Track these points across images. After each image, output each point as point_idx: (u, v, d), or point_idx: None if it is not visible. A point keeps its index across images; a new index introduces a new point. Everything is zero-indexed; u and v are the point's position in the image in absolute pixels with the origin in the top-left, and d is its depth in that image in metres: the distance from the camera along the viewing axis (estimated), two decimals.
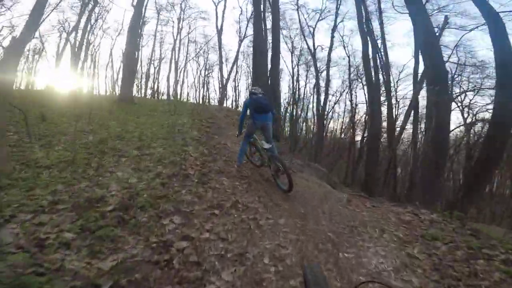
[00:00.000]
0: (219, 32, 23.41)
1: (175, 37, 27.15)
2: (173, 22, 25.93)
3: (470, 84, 19.57)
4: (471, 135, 20.03)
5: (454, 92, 20.42)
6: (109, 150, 4.75)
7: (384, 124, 17.02)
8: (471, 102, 20.29)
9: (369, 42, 14.64)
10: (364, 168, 22.59)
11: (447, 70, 6.86)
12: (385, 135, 18.57)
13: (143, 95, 26.42)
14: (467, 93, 20.28)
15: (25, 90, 15.87)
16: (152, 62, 28.97)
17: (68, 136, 5.57)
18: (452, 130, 21.63)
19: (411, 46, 21.17)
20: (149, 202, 3.05)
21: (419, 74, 17.83)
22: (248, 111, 4.63)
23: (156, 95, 26.99)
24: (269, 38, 14.86)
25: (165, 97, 22.04)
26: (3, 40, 17.45)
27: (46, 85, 18.73)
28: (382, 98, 16.26)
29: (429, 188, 7.18)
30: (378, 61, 14.72)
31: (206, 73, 32.53)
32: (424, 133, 19.76)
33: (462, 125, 20.84)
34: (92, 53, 26.67)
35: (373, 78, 14.10)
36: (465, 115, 20.63)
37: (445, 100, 6.73)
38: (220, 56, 23.93)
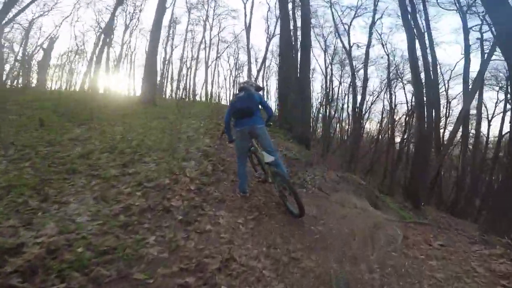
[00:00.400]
0: (248, 30, 22.40)
1: (205, 36, 26.69)
2: (204, 21, 25.22)
3: None
4: None
5: None
6: (85, 168, 3.78)
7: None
8: None
9: (416, 37, 12.70)
10: (403, 172, 21.58)
11: None
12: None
13: (174, 96, 26.52)
14: None
15: (56, 91, 16.17)
16: (185, 63, 28.89)
17: (56, 146, 4.75)
18: (507, 133, 19.13)
19: (461, 44, 18.56)
20: (80, 260, 1.93)
21: (473, 73, 15.53)
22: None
23: (187, 96, 26.98)
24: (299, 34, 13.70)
25: (199, 98, 21.54)
26: None
27: (80, 87, 19.19)
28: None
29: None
30: (425, 58, 12.54)
31: (236, 73, 31.82)
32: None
33: None
34: (127, 53, 27.26)
35: (421, 77, 12.14)
36: None
37: None
38: (249, 55, 22.94)
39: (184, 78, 29.41)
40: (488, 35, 15.84)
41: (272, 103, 30.34)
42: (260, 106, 3.59)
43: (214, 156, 4.68)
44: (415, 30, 12.37)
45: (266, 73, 28.93)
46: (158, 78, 23.32)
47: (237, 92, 3.77)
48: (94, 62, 19.00)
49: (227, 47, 28.37)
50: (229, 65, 32.80)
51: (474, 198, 19.13)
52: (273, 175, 3.49)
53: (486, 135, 20.42)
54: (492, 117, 20.61)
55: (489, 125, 20.54)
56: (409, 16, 12.26)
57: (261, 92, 3.86)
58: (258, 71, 25.95)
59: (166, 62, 28.18)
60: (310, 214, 3.63)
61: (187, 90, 28.87)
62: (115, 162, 4.18)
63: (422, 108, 11.98)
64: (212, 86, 30.22)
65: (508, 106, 18.95)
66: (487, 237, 4.23)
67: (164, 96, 25.26)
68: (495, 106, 20.65)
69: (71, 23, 23.99)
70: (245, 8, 23.15)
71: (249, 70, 23.80)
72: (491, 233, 5.08)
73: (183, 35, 26.44)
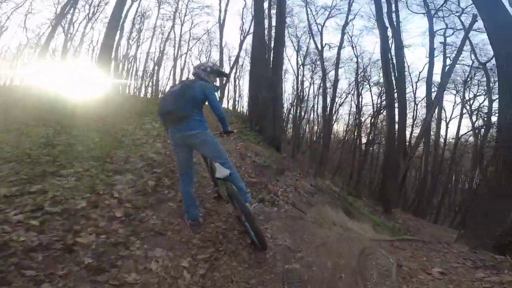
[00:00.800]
0: (221, 26, 21.19)
1: (175, 32, 24.96)
2: (173, 14, 23.38)
3: (480, 87, 18.05)
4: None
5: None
6: None
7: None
8: (481, 106, 18.76)
9: (391, 39, 12.66)
10: (368, 172, 22.22)
11: None
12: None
13: (138, 93, 24.62)
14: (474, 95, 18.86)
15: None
16: (152, 59, 26.90)
17: None
18: (463, 135, 20.39)
19: (426, 47, 19.23)
20: None
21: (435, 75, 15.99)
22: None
23: (152, 93, 25.17)
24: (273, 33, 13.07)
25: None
26: None
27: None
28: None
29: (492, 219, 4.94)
30: (399, 57, 12.45)
31: None
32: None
33: (470, 130, 19.36)
34: (88, 48, 24.69)
35: (391, 79, 11.99)
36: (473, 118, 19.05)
37: None
38: (221, 53, 21.72)
39: (150, 75, 27.49)
40: (450, 39, 16.46)
41: (245, 103, 29.62)
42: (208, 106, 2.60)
43: (160, 167, 3.63)
44: (389, 30, 12.24)
45: (239, 71, 28.04)
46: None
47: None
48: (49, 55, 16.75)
49: (196, 42, 26.82)
50: (200, 62, 31.21)
51: (433, 198, 20.04)
52: (228, 195, 2.58)
53: (444, 137, 21.27)
54: (450, 120, 21.65)
55: (447, 127, 21.53)
56: (384, 15, 12.10)
57: (218, 83, 2.86)
58: (231, 70, 24.93)
59: (131, 57, 26.10)
60: (284, 244, 2.80)
61: (152, 87, 27.04)
62: (18, 176, 3.00)
63: (393, 109, 11.84)
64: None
65: (465, 110, 20.03)
66: (483, 256, 3.77)
67: (129, 93, 23.34)
68: (453, 109, 21.73)
69: (25, 14, 20.94)
70: (220, 4, 21.89)
71: (221, 67, 22.66)
72: (475, 244, 4.71)
73: (151, 30, 24.45)
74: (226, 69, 25.90)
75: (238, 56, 22.42)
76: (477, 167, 19.35)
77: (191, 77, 2.75)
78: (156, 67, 26.13)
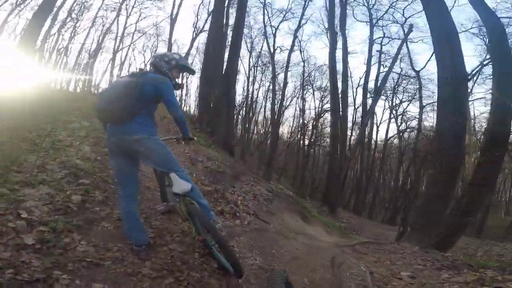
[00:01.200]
0: (173, 22, 19.62)
1: (118, 24, 22.14)
2: (122, 8, 20.68)
3: (405, 94, 20.57)
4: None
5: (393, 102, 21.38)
6: None
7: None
8: (405, 111, 21.47)
9: (341, 45, 13.28)
10: (310, 172, 23.45)
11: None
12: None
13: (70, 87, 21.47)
14: (399, 101, 21.47)
15: None
16: (87, 51, 23.61)
17: None
18: (390, 137, 22.96)
19: (365, 54, 21.00)
20: None
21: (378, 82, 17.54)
22: None
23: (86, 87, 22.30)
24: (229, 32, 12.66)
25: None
26: None
27: None
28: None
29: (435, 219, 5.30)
30: (345, 62, 13.14)
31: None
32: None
33: (396, 134, 21.96)
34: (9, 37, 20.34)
35: (338, 85, 12.62)
36: (399, 123, 21.64)
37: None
38: (169, 49, 20.09)
39: (83, 68, 24.22)
40: (385, 48, 18.16)
41: (192, 102, 28.25)
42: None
43: (89, 177, 2.83)
44: (340, 35, 12.79)
45: None
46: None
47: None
48: None
49: (142, 36, 24.40)
50: (144, 57, 28.58)
51: (366, 196, 21.99)
52: (188, 214, 2.05)
53: (375, 139, 23.46)
54: (380, 123, 24.01)
55: (377, 130, 23.79)
56: (336, 21, 12.64)
57: (180, 80, 2.27)
58: None
59: (62, 49, 22.56)
60: (255, 263, 2.37)
61: (84, 81, 23.95)
62: None
63: (337, 114, 12.36)
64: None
65: (392, 115, 22.44)
66: (435, 255, 3.90)
67: (55, 87, 20.09)
68: (383, 114, 24.17)
69: None
70: None
71: None
72: (422, 243, 4.96)
73: (90, 21, 21.29)
74: None
75: (188, 53, 21.13)
76: (401, 167, 22.01)
77: (148, 68, 2.15)
78: (91, 60, 23.14)
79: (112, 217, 2.37)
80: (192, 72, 2.36)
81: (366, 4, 16.63)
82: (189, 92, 27.75)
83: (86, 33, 21.31)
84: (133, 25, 23.41)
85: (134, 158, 2.04)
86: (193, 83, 34.11)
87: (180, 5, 19.28)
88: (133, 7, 20.90)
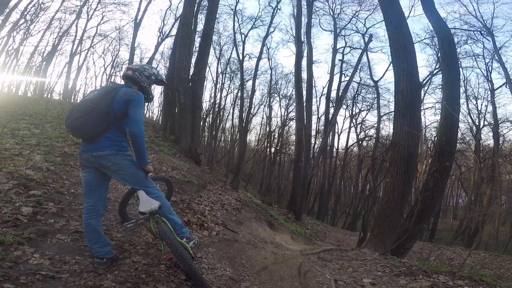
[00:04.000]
0: (136, 26, 18.81)
1: (77, 26, 20.60)
2: (83, 11, 19.19)
3: (364, 103, 22.02)
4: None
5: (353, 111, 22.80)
6: None
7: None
8: (364, 120, 23.02)
9: (306, 54, 13.71)
10: (276, 180, 23.87)
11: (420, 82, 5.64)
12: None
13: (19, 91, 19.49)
14: (359, 110, 23.00)
15: None
16: (40, 54, 21.65)
17: None
18: (350, 146, 24.37)
19: (328, 64, 22.16)
20: None
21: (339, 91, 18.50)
22: None
23: (38, 92, 20.38)
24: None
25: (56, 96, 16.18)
26: None
27: None
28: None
29: (393, 225, 5.60)
30: (310, 70, 13.60)
31: (113, 71, 26.66)
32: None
33: (355, 142, 23.43)
34: None
35: (303, 93, 13.02)
36: (358, 131, 23.14)
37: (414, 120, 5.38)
38: (132, 53, 19.22)
39: (35, 71, 22.17)
40: (346, 57, 19.27)
41: (155, 108, 27.15)
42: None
43: (41, 188, 2.59)
44: (305, 44, 13.18)
45: None
46: None
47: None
48: None
49: (103, 39, 23.08)
50: (104, 61, 27.09)
51: (328, 201, 22.86)
52: (158, 233, 1.94)
53: (336, 147, 24.67)
54: (341, 132, 25.36)
55: (338, 138, 25.08)
56: (302, 30, 13.04)
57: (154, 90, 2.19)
58: None
59: (12, 50, 20.41)
60: (225, 274, 2.35)
61: (36, 85, 21.95)
62: None
63: (302, 122, 12.71)
64: (75, 83, 24.05)
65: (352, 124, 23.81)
66: (393, 261, 4.13)
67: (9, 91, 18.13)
68: (343, 122, 25.55)
69: None
70: (140, 3, 19.23)
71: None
72: (380, 249, 5.20)
73: (46, 23, 19.56)
74: None
75: (152, 58, 20.40)
76: (360, 174, 23.32)
77: (121, 80, 2.09)
78: (44, 63, 21.29)
79: (69, 229, 2.20)
80: (166, 85, 2.33)
81: (331, 13, 17.61)
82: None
83: (40, 35, 19.63)
84: (93, 28, 22.25)
85: (105, 174, 1.98)
86: (156, 88, 33.00)
87: (145, 10, 18.69)
88: (95, 9, 19.78)
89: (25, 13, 17.30)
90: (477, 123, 15.89)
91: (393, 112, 18.54)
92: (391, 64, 6.07)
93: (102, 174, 1.98)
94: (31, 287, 1.55)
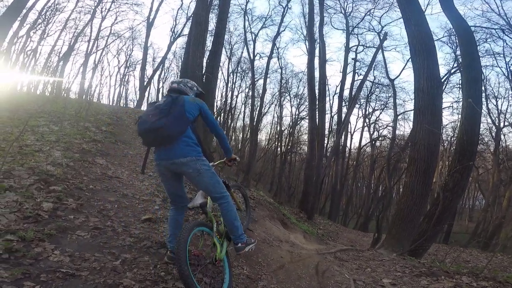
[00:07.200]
0: (149, 26, 19.13)
1: (92, 27, 21.14)
2: (97, 11, 19.73)
3: (377, 102, 21.55)
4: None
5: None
6: None
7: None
8: (377, 119, 22.52)
9: (318, 52, 13.52)
10: (287, 179, 23.70)
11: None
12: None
13: (38, 90, 20.08)
14: (372, 109, 22.51)
15: None
16: (57, 54, 22.28)
17: None
18: (363, 146, 23.89)
19: (340, 62, 21.82)
20: None
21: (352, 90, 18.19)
22: None
23: (56, 91, 20.94)
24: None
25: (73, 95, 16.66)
26: None
27: None
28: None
29: (411, 226, 5.43)
30: (322, 69, 13.36)
31: (126, 71, 27.19)
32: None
33: (368, 142, 22.93)
34: None
35: (316, 92, 12.79)
36: (371, 130, 22.63)
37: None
38: (145, 53, 19.61)
39: (53, 71, 22.80)
40: (359, 56, 18.87)
41: None
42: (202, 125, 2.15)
43: (61, 183, 2.63)
44: (318, 42, 12.95)
45: (164, 74, 25.95)
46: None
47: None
48: None
49: (116, 39, 23.55)
50: (119, 61, 27.60)
51: (340, 202, 22.53)
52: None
53: (348, 147, 24.26)
54: (354, 131, 24.90)
55: (351, 138, 24.63)
56: (315, 28, 12.82)
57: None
58: (155, 71, 22.81)
59: (29, 51, 21.10)
60: (243, 273, 2.35)
61: (54, 84, 22.51)
62: None
63: (315, 121, 12.53)
64: (92, 82, 24.63)
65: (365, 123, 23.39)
66: (412, 262, 4.00)
67: (21, 90, 18.70)
68: (356, 122, 25.07)
69: None
70: (152, 3, 19.54)
71: (143, 69, 20.45)
72: (398, 249, 5.07)
73: (62, 23, 20.17)
74: (149, 70, 23.82)
75: (165, 58, 20.77)
76: (373, 174, 22.90)
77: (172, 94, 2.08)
78: (61, 63, 21.90)
79: (88, 225, 2.21)
80: (204, 97, 2.37)
81: (343, 11, 17.33)
82: None
83: (57, 36, 20.19)
84: (108, 28, 22.68)
85: (180, 177, 2.10)
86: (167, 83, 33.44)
87: (158, 9, 18.97)
88: (108, 10, 20.17)
89: (42, 13, 17.83)
90: (497, 124, 15.31)
91: (408, 112, 18.06)
92: (410, 62, 5.85)
93: (178, 177, 2.07)
94: (52, 285, 1.54)
